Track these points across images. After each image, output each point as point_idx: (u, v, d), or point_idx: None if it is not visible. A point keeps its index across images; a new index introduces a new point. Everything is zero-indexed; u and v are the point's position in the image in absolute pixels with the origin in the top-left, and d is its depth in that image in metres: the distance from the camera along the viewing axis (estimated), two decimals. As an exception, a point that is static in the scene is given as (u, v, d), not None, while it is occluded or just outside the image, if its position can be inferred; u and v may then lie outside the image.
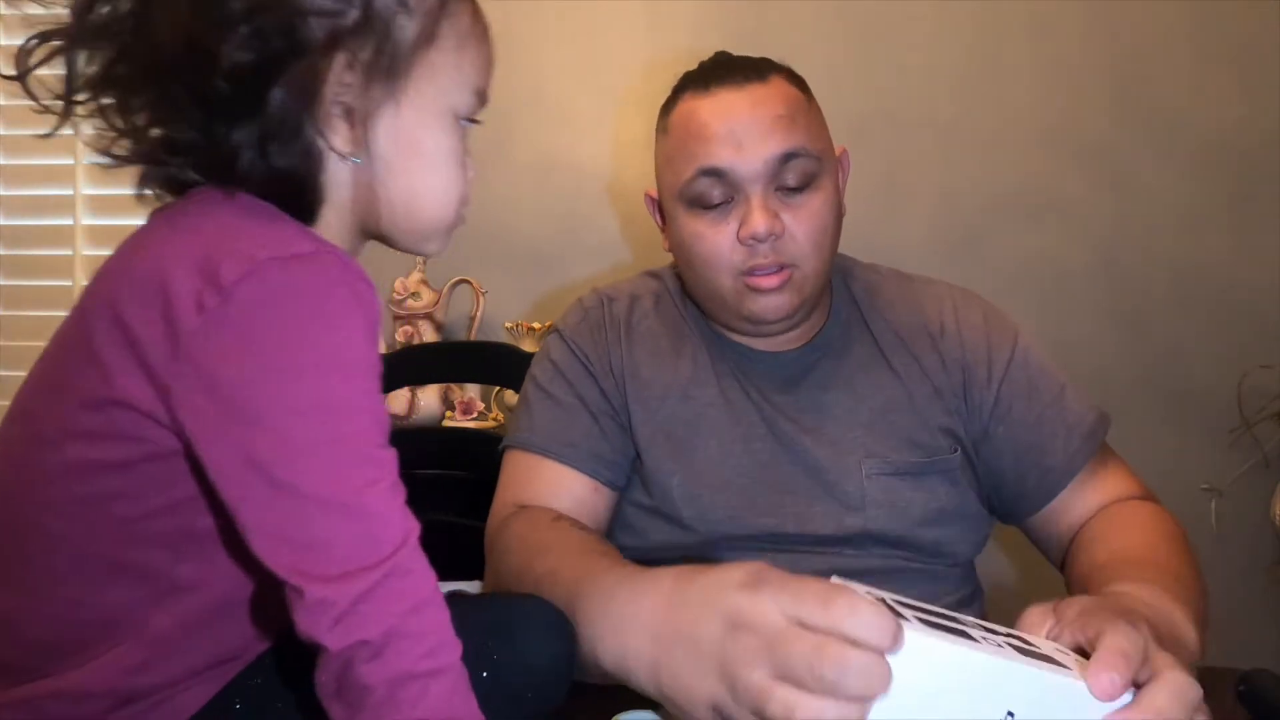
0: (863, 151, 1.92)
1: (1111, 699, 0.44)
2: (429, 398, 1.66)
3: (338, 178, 0.54)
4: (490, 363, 1.47)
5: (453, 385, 1.73)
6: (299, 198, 0.53)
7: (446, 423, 1.69)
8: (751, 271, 0.85)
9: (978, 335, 0.92)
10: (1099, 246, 1.85)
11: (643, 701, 0.62)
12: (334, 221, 0.55)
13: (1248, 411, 1.78)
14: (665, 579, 0.56)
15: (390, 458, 0.52)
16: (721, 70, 0.87)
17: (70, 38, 0.52)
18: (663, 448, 0.88)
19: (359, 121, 0.53)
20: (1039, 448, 0.88)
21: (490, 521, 0.89)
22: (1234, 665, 0.72)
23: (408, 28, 0.53)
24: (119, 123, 0.54)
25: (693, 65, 1.04)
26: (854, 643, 0.42)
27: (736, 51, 1.10)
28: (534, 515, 0.84)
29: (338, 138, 0.53)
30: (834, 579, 0.49)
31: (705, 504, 0.86)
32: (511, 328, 1.79)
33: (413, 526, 0.51)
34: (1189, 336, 1.82)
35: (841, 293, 0.97)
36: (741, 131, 0.81)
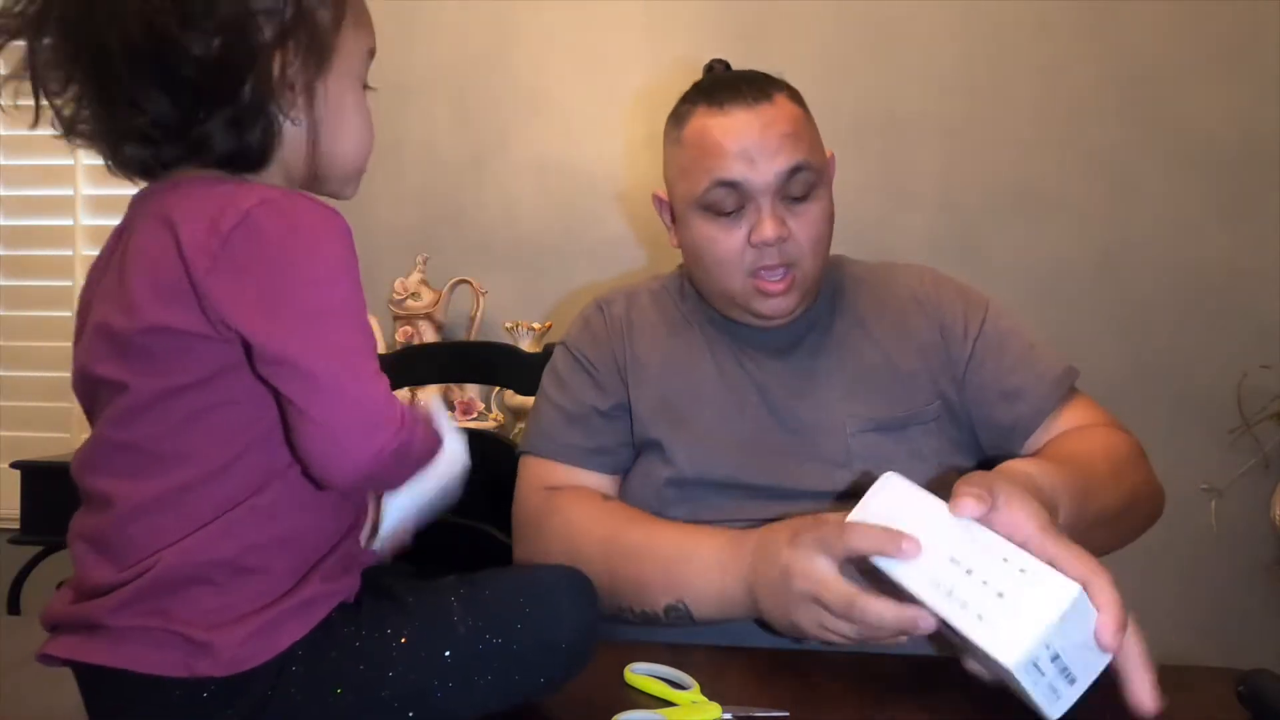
0: (863, 151, 1.92)
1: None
2: (429, 398, 1.66)
3: (285, 139, 0.67)
4: (490, 363, 1.47)
5: (453, 385, 1.73)
6: (255, 160, 0.66)
7: (446, 423, 1.69)
8: (759, 272, 0.94)
9: (954, 300, 1.03)
10: (1099, 246, 1.85)
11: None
12: (276, 173, 0.68)
13: (1248, 411, 1.78)
14: (747, 543, 0.80)
15: (372, 345, 0.62)
16: (731, 89, 0.94)
17: (16, 27, 0.61)
18: (664, 420, 0.97)
19: (301, 92, 0.66)
20: (1012, 393, 0.97)
21: (522, 506, 0.99)
22: (1234, 665, 0.71)
23: (325, 15, 0.67)
24: (101, 111, 0.64)
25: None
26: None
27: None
28: (582, 494, 0.96)
29: (293, 110, 0.66)
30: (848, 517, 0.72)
31: (705, 465, 0.94)
32: (511, 328, 1.79)
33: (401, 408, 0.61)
34: (1189, 336, 1.82)
35: (828, 276, 1.06)
36: (754, 148, 0.91)
